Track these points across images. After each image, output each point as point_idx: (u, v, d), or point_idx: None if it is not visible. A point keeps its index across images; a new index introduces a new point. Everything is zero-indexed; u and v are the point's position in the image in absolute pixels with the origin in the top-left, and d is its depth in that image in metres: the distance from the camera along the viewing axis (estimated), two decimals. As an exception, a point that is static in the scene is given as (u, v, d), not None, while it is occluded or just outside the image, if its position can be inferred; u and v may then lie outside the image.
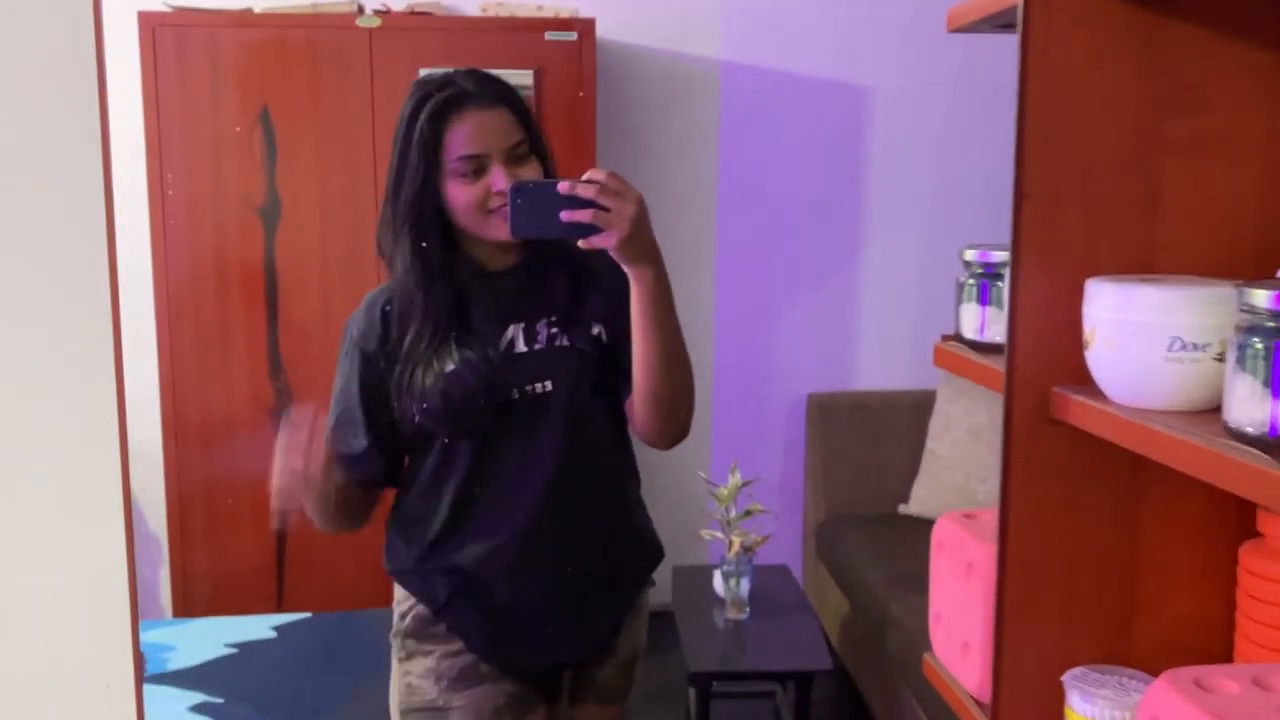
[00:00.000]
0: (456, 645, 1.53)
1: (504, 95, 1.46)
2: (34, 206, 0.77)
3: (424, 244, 1.46)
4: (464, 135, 1.42)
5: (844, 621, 3.25)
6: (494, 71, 1.51)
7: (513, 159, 1.44)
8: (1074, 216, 0.98)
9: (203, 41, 3.02)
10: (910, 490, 3.44)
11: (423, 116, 1.42)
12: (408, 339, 1.48)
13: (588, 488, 1.53)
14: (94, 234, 0.78)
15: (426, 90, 1.44)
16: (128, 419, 0.80)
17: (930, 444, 3.41)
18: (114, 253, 0.79)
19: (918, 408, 3.52)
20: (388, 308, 1.51)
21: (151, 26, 3.00)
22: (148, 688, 2.46)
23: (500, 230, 1.44)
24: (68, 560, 0.80)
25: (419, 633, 1.55)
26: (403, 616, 1.57)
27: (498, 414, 1.47)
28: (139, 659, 0.84)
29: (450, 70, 1.48)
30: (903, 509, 3.44)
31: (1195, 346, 0.87)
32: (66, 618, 0.81)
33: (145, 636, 2.74)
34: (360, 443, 1.51)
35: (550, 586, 1.52)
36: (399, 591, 1.58)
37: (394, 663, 1.58)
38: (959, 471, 3.32)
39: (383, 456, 1.53)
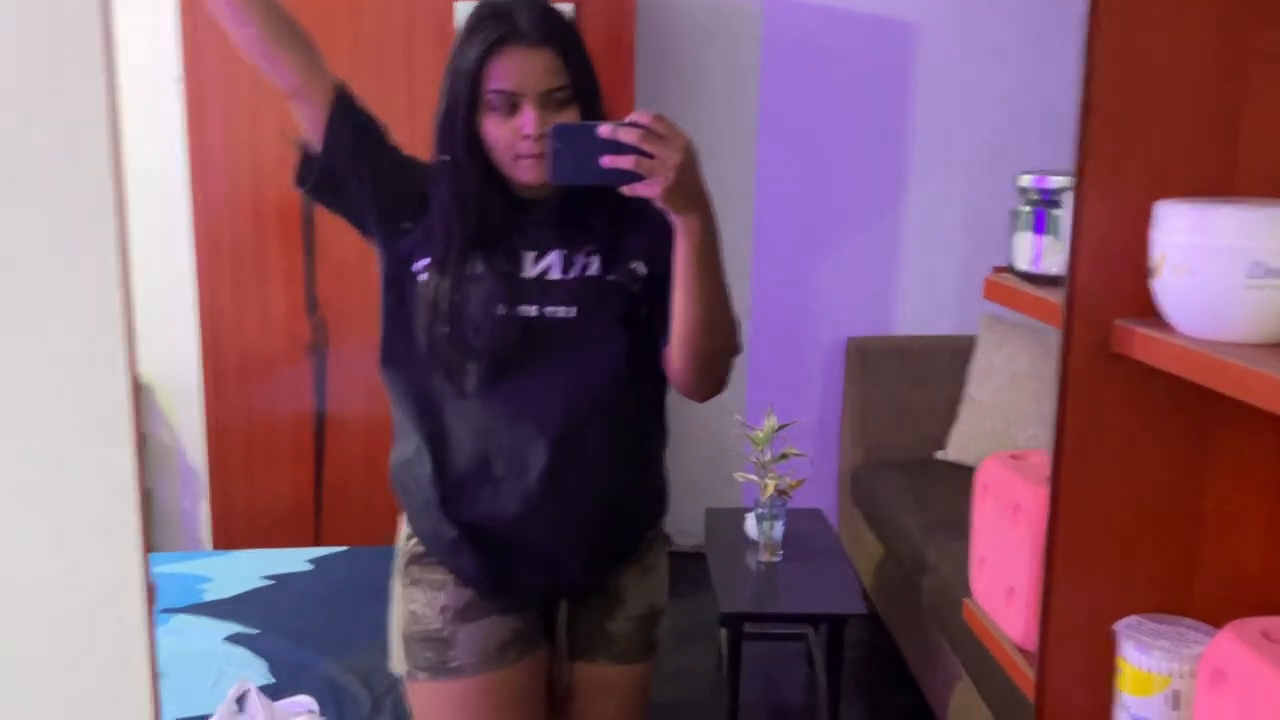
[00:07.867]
0: (460, 577, 1.52)
1: (552, 35, 1.39)
2: (34, 142, 0.73)
3: (459, 167, 1.40)
4: (501, 70, 1.36)
5: (878, 567, 3.21)
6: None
7: (549, 103, 1.38)
8: (1145, 133, 0.91)
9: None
10: (948, 436, 3.38)
11: (470, 43, 1.37)
12: (435, 247, 1.43)
13: (602, 426, 1.46)
14: (98, 163, 0.74)
15: (480, 16, 1.39)
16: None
17: (970, 390, 3.34)
18: (121, 184, 0.75)
19: (959, 353, 3.44)
20: (423, 179, 1.46)
21: (184, -46, 2.94)
22: (184, 618, 2.48)
23: (527, 174, 1.39)
24: (73, 489, 0.77)
25: (423, 559, 1.54)
26: (408, 539, 1.57)
27: (515, 334, 1.42)
28: (150, 589, 0.82)
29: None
30: (940, 455, 3.38)
31: (1278, 272, 0.80)
32: (74, 546, 0.78)
33: (183, 567, 2.76)
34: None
35: (557, 524, 1.48)
36: (405, 523, 1.57)
37: (397, 586, 1.57)
38: (999, 418, 3.25)
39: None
